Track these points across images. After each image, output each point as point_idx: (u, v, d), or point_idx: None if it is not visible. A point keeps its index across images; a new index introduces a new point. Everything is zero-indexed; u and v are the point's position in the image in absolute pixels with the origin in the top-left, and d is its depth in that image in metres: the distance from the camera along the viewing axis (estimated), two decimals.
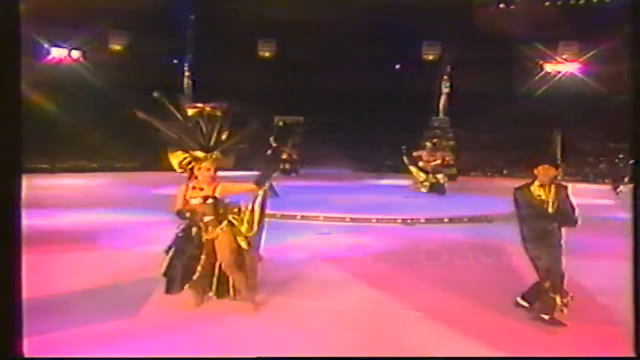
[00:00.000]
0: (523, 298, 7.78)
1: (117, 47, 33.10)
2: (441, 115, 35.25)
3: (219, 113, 7.57)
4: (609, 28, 28.00)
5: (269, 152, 20.03)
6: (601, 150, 31.37)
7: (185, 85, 35.29)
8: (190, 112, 7.57)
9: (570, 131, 29.68)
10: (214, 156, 7.38)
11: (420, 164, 20.65)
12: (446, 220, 15.19)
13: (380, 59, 35.35)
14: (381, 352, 6.55)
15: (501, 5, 32.24)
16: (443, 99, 35.39)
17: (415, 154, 20.92)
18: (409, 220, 14.83)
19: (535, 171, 7.45)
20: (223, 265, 7.47)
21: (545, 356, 6.51)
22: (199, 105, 7.59)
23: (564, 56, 33.34)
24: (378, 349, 6.64)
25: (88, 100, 29.83)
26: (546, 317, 7.45)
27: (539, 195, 7.42)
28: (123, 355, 6.19)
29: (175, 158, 7.44)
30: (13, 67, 4.30)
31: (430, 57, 35.51)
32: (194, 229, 7.45)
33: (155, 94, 7.43)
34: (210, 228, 7.40)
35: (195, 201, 7.36)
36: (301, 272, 9.67)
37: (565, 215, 7.47)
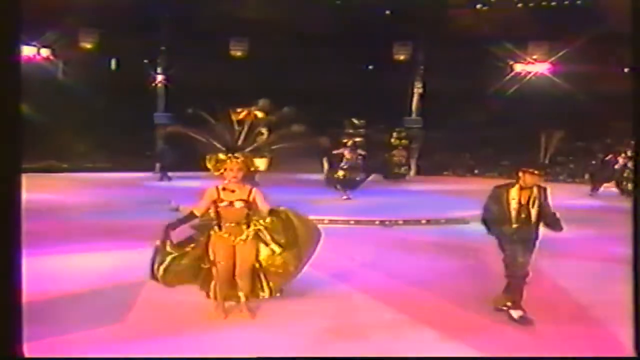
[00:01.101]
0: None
1: (88, 46, 32.60)
2: (414, 115, 35.35)
3: (260, 115, 7.55)
4: (579, 29, 28.31)
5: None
6: (571, 149, 31.66)
7: (158, 85, 35.04)
8: (234, 117, 7.56)
9: (539, 132, 30.14)
10: (238, 157, 7.28)
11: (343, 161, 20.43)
12: (424, 221, 15.28)
13: (353, 59, 35.36)
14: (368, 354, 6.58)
15: (478, 6, 32.32)
16: (415, 99, 35.47)
17: (335, 152, 20.83)
18: (387, 222, 14.89)
19: (520, 174, 7.53)
20: (238, 271, 7.41)
21: (545, 356, 6.57)
22: (243, 110, 7.55)
23: (534, 56, 33.56)
24: (364, 351, 6.67)
25: (58, 99, 29.44)
26: (515, 315, 7.60)
27: (514, 199, 7.51)
28: (123, 355, 6.15)
29: (208, 162, 7.36)
30: (12, 67, 4.26)
31: (402, 57, 35.45)
32: (217, 232, 7.39)
33: (189, 110, 7.42)
34: (235, 232, 7.33)
35: (224, 204, 7.25)
36: None
37: (546, 220, 7.60)
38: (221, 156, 7.29)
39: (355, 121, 22.04)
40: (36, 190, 19.35)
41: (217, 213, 7.36)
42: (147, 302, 8.04)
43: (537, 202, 7.51)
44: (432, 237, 13.59)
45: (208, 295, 7.64)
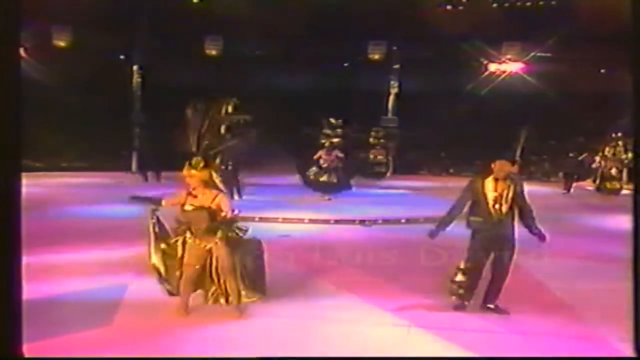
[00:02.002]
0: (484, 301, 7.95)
1: (62, 43, 32.25)
2: (390, 115, 35.44)
3: (222, 113, 7.67)
4: (553, 29, 28.54)
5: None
6: (545, 148, 31.94)
7: (134, 83, 34.94)
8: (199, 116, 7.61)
9: (513, 130, 30.37)
10: (193, 163, 7.39)
11: (320, 163, 20.53)
12: (403, 221, 15.36)
13: (328, 58, 35.38)
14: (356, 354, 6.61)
15: (448, 7, 32.49)
16: (391, 99, 35.55)
17: (315, 156, 20.90)
18: (367, 222, 14.94)
19: (492, 165, 7.64)
20: (219, 272, 7.45)
21: (546, 356, 6.65)
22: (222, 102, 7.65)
23: (508, 56, 33.76)
24: (348, 350, 6.70)
25: (31, 98, 29.04)
26: (491, 306, 7.69)
27: (490, 191, 7.60)
28: (123, 355, 6.13)
29: None
30: (12, 67, 4.24)
31: (376, 57, 35.46)
32: (187, 236, 7.49)
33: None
34: (203, 236, 7.41)
35: (188, 207, 7.39)
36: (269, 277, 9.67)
37: (521, 216, 7.69)
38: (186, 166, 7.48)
39: (333, 121, 21.95)
40: None
41: (184, 216, 7.51)
42: (126, 305, 8.02)
43: (511, 192, 7.59)
44: (412, 236, 13.56)
45: (169, 291, 7.70)
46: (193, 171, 7.36)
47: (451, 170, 32.28)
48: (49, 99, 28.96)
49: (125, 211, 15.99)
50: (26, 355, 4.65)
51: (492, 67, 33.98)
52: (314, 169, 20.33)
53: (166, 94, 30.75)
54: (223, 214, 7.33)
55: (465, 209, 8.02)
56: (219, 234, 7.40)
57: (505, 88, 33.20)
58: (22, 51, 31.23)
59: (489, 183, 7.64)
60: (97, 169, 28.71)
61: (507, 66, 33.83)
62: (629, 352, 5.18)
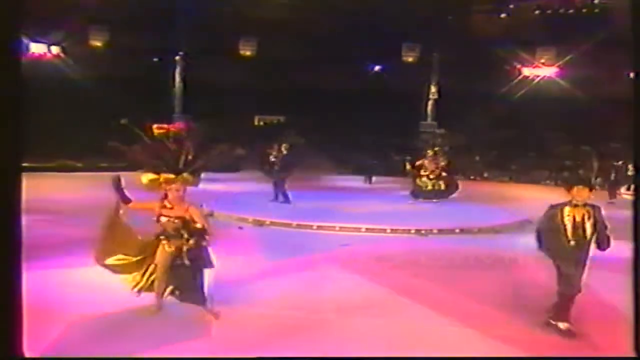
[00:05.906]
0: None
1: (98, 43, 32.59)
2: (429, 120, 35.54)
3: (184, 133, 7.95)
4: (591, 34, 28.44)
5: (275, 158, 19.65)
6: (577, 153, 31.71)
7: (177, 84, 35.56)
8: (156, 132, 7.91)
9: (546, 134, 30.27)
10: (183, 177, 7.80)
11: (422, 171, 20.71)
12: (457, 231, 15.35)
13: (361, 59, 35.47)
14: None
15: (503, 16, 32.47)
16: (430, 104, 35.63)
17: (417, 163, 21.06)
18: (422, 231, 14.95)
19: (570, 192, 7.67)
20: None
21: (546, 356, 6.77)
22: (165, 125, 7.94)
23: (542, 60, 33.77)
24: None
25: (69, 97, 29.31)
26: (562, 326, 7.71)
27: (569, 216, 7.63)
28: (124, 356, 6.28)
29: (147, 180, 7.90)
30: (12, 66, 4.28)
31: (410, 59, 35.50)
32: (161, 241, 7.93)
33: (122, 121, 7.75)
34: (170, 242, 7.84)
35: (164, 219, 7.80)
36: (341, 288, 9.81)
37: (598, 238, 7.70)
38: (169, 176, 7.79)
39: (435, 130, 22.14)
40: (49, 190, 19.12)
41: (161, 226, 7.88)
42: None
43: (592, 219, 7.62)
44: (468, 246, 13.59)
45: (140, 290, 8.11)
46: (181, 178, 7.79)
47: (485, 175, 32.23)
48: (87, 99, 29.26)
49: None
50: (26, 355, 4.74)
51: (527, 71, 34.03)
52: (423, 180, 20.62)
53: (202, 94, 31.12)
54: (198, 225, 7.73)
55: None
56: (191, 241, 7.75)
57: (539, 92, 33.24)
58: (59, 50, 31.89)
59: (568, 211, 7.67)
60: (138, 169, 28.79)
61: (541, 70, 33.85)
62: (629, 352, 5.21)
